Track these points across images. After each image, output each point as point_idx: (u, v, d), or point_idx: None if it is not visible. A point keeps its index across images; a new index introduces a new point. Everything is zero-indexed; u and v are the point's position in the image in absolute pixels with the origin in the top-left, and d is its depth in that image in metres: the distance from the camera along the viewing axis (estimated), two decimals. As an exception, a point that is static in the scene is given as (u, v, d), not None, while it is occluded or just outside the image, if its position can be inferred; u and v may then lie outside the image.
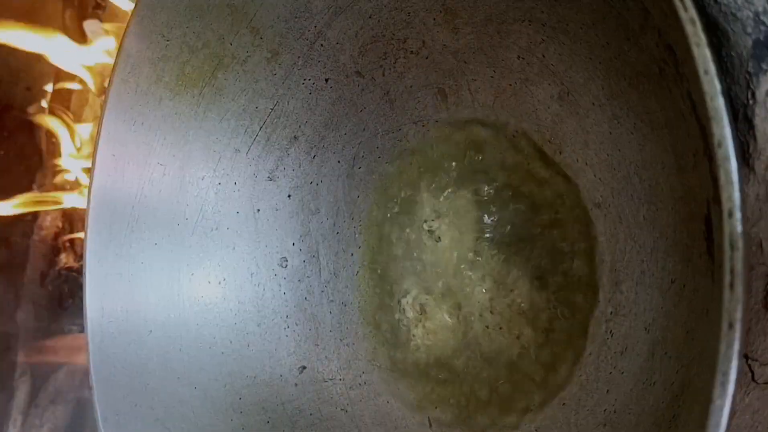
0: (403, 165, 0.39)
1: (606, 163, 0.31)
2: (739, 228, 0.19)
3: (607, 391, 0.30)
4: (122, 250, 0.37)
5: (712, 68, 0.19)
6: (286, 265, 0.40)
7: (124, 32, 0.35)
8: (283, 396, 0.38)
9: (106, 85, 0.36)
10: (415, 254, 0.38)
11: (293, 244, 0.40)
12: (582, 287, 0.32)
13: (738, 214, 0.19)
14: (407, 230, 0.39)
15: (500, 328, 0.35)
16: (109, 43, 0.68)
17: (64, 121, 0.73)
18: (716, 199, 0.19)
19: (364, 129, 0.39)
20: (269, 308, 0.40)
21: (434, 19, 0.35)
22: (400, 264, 0.39)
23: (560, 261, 0.33)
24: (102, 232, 0.37)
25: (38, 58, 0.67)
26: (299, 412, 0.37)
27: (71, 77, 0.70)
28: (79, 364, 0.73)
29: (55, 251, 0.75)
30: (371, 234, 0.40)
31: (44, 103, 0.76)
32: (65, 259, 0.74)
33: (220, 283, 0.39)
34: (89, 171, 0.36)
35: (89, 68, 0.68)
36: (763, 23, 0.23)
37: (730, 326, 0.19)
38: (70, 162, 0.73)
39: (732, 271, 0.19)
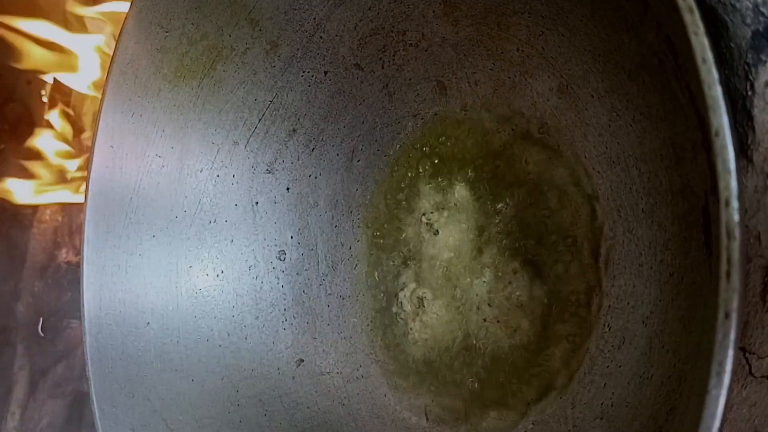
0: (402, 158, 0.39)
1: (605, 155, 0.31)
2: (736, 217, 0.19)
3: (605, 384, 0.30)
4: (120, 241, 0.37)
5: (709, 56, 0.19)
6: (285, 258, 0.40)
7: (123, 23, 0.35)
8: (280, 389, 0.38)
9: (105, 77, 0.36)
10: (413, 247, 0.38)
11: (291, 237, 0.40)
12: (580, 280, 0.32)
13: (735, 203, 0.19)
14: (406, 223, 0.39)
15: (498, 321, 0.35)
16: (109, 34, 0.68)
17: (64, 113, 0.73)
18: (714, 188, 0.19)
19: (363, 122, 0.39)
20: (267, 301, 0.40)
21: (433, 11, 0.35)
22: (399, 257, 0.39)
23: (559, 254, 0.33)
24: (100, 223, 0.37)
25: (38, 51, 0.67)
26: (297, 405, 0.37)
27: (72, 69, 0.70)
28: (77, 358, 0.73)
29: (55, 245, 0.75)
30: (369, 227, 0.40)
31: (44, 97, 0.76)
32: (64, 253, 0.74)
33: (218, 275, 0.39)
34: (88, 163, 0.36)
35: (89, 60, 0.68)
36: (762, 14, 0.23)
37: (727, 316, 0.19)
38: (70, 155, 0.72)
39: (729, 261, 0.19)
